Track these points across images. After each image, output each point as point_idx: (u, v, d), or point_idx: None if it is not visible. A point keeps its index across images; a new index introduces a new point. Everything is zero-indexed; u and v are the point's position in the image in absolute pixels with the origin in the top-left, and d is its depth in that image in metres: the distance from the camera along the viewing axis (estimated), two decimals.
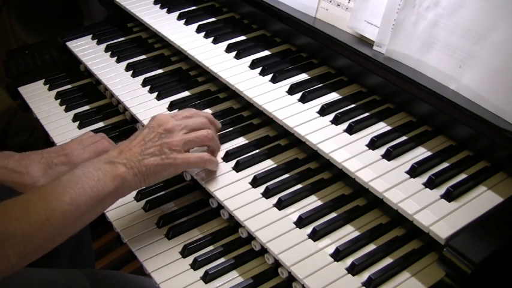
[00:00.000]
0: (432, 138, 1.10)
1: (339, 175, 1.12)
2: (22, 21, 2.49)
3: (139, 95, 1.40)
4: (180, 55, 1.53)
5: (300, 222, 1.03)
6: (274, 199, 1.08)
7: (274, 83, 1.26)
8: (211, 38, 1.43)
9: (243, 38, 1.44)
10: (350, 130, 1.11)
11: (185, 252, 1.09)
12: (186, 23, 1.51)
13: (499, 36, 1.03)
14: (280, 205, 1.07)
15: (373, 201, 1.06)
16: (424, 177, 1.00)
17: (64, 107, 1.52)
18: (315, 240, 1.01)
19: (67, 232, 0.95)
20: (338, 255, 0.97)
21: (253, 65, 1.31)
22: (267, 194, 1.09)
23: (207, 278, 1.03)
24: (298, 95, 1.21)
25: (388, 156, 1.05)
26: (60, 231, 0.93)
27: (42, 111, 1.51)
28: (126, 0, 1.65)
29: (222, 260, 1.08)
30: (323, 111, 1.16)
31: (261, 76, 1.28)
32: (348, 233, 1.03)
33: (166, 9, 1.58)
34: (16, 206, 0.91)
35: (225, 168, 1.16)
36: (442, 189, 0.98)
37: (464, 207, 0.95)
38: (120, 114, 1.48)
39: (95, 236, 2.02)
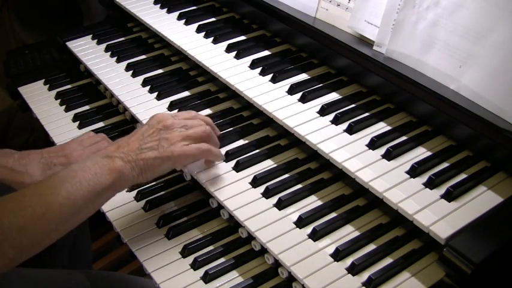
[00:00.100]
0: (432, 138, 1.10)
1: (339, 175, 1.12)
2: (22, 21, 2.49)
3: (139, 95, 1.40)
4: (180, 55, 1.53)
5: (300, 222, 1.03)
6: (274, 199, 1.08)
7: (274, 83, 1.26)
8: (211, 38, 1.43)
9: (243, 38, 1.44)
10: (350, 130, 1.11)
11: (185, 252, 1.09)
12: (186, 23, 1.51)
13: (499, 36, 1.03)
14: (280, 205, 1.07)
15: (373, 201, 1.06)
16: (424, 177, 1.00)
17: (64, 107, 1.52)
18: (315, 240, 1.01)
19: (64, 227, 0.95)
20: (338, 255, 0.97)
21: (253, 65, 1.31)
22: (267, 194, 1.09)
23: (207, 278, 1.03)
24: (298, 95, 1.21)
25: (388, 156, 1.05)
26: (57, 226, 0.93)
27: (42, 111, 1.51)
28: (126, 0, 1.65)
29: (222, 260, 1.08)
30: (323, 111, 1.16)
31: (261, 76, 1.28)
32: (348, 233, 1.03)
33: (166, 9, 1.58)
34: (12, 201, 0.91)
35: (225, 168, 1.16)
36: (442, 189, 0.98)
37: (464, 207, 0.95)
38: (120, 114, 1.48)
39: (95, 236, 2.02)
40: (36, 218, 0.89)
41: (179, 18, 1.53)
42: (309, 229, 1.02)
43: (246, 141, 1.23)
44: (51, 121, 1.47)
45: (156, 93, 1.39)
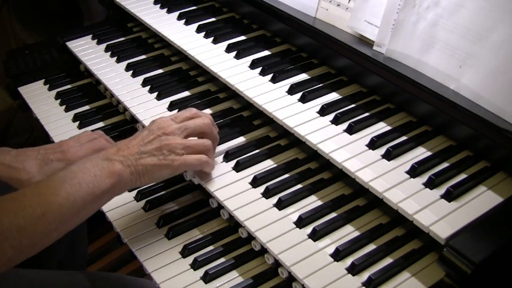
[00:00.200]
0: (432, 138, 1.10)
1: (339, 175, 1.12)
2: (22, 21, 2.49)
3: (139, 95, 1.40)
4: (180, 55, 1.53)
5: (300, 222, 1.03)
6: (274, 199, 1.08)
7: (274, 83, 1.26)
8: (211, 38, 1.43)
9: (243, 38, 1.44)
10: (350, 130, 1.11)
11: (185, 252, 1.09)
12: (186, 23, 1.51)
13: (499, 36, 1.03)
14: (280, 205, 1.07)
15: (373, 201, 1.06)
16: (424, 177, 1.00)
17: (64, 107, 1.52)
18: (315, 240, 1.01)
19: (63, 228, 0.95)
20: (338, 255, 0.97)
21: (253, 65, 1.31)
22: (267, 194, 1.09)
23: (207, 278, 1.03)
24: (298, 95, 1.21)
25: (388, 156, 1.05)
26: (56, 227, 0.93)
27: (42, 111, 1.51)
28: (126, 0, 1.65)
29: (222, 260, 1.08)
30: (323, 111, 1.16)
31: (261, 76, 1.29)
32: (348, 233, 1.03)
33: (166, 9, 1.58)
34: (12, 200, 0.91)
35: (225, 168, 1.16)
36: (442, 189, 0.98)
37: (464, 207, 0.95)
38: (120, 114, 1.48)
39: (95, 236, 2.02)
40: (36, 218, 0.89)
41: (179, 18, 1.53)
42: (309, 229, 1.02)
43: (246, 141, 1.23)
44: (51, 121, 1.47)
45: (156, 93, 1.39)
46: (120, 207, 1.19)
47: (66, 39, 1.66)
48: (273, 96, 1.22)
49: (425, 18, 1.13)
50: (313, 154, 1.14)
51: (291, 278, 0.98)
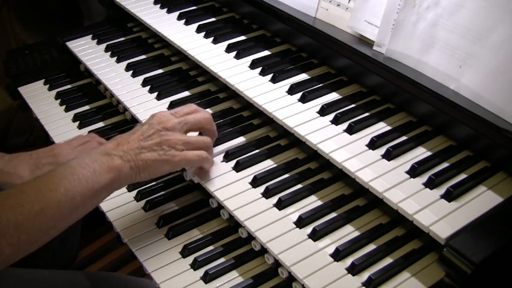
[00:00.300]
0: (432, 138, 1.10)
1: (339, 175, 1.12)
2: (22, 21, 2.49)
3: (139, 95, 1.40)
4: (180, 55, 1.53)
5: (300, 222, 1.03)
6: (274, 199, 1.08)
7: (274, 83, 1.26)
8: (211, 38, 1.43)
9: (243, 38, 1.44)
10: (350, 130, 1.11)
11: (185, 252, 1.09)
12: (186, 23, 1.51)
13: (499, 36, 1.03)
14: (280, 205, 1.07)
15: (373, 201, 1.06)
16: (424, 177, 1.00)
17: (64, 107, 1.52)
18: (315, 240, 1.01)
19: (62, 224, 0.94)
20: (338, 255, 0.97)
21: (253, 65, 1.31)
22: (267, 194, 1.09)
23: (207, 278, 1.03)
24: (298, 95, 1.21)
25: (388, 156, 1.05)
26: (55, 223, 0.92)
27: (42, 111, 1.51)
28: (126, 0, 1.65)
29: (222, 260, 1.08)
30: (323, 111, 1.16)
31: (261, 76, 1.29)
32: (348, 233, 1.03)
33: (166, 9, 1.58)
34: (9, 197, 0.90)
35: (225, 168, 1.16)
36: (442, 189, 0.98)
37: (464, 207, 0.95)
38: (120, 114, 1.48)
39: (95, 236, 2.02)
40: (34, 214, 0.88)
41: (179, 18, 1.53)
42: (309, 229, 1.02)
43: (246, 141, 1.23)
44: (51, 121, 1.47)
45: (156, 93, 1.39)
46: (120, 207, 1.19)
47: (66, 39, 1.66)
48: (273, 96, 1.22)
49: (425, 18, 1.13)
50: (313, 154, 1.14)
51: (291, 278, 0.98)
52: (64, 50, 1.67)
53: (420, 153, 1.07)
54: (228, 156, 1.18)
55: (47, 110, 1.52)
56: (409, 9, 1.15)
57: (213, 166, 1.15)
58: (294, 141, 1.20)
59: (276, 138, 1.24)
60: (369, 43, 1.24)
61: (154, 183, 1.25)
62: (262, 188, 1.10)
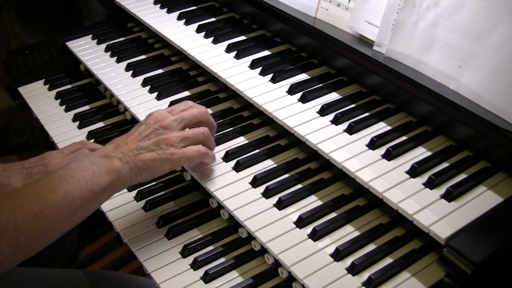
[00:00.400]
0: (432, 138, 1.10)
1: (339, 175, 1.12)
2: (22, 21, 2.49)
3: (139, 95, 1.40)
4: (180, 55, 1.53)
5: (300, 222, 1.03)
6: (274, 199, 1.08)
7: (274, 83, 1.26)
8: (211, 38, 1.43)
9: (243, 38, 1.44)
10: (350, 130, 1.11)
11: (185, 252, 1.09)
12: (186, 23, 1.51)
13: (499, 36, 1.03)
14: (280, 205, 1.07)
15: (373, 201, 1.06)
16: (424, 177, 1.00)
17: (64, 107, 1.52)
18: (315, 240, 1.01)
19: (62, 226, 0.94)
20: (338, 255, 0.97)
21: (253, 65, 1.31)
22: (267, 194, 1.09)
23: (207, 278, 1.03)
24: (298, 95, 1.21)
25: (388, 156, 1.05)
26: (54, 225, 0.92)
27: (42, 111, 1.51)
28: (126, 0, 1.65)
29: (222, 260, 1.08)
30: (323, 111, 1.16)
31: (261, 76, 1.29)
32: (348, 233, 1.03)
33: (166, 9, 1.58)
34: (9, 198, 0.90)
35: (225, 168, 1.16)
36: (442, 189, 0.98)
37: (464, 207, 0.95)
38: (120, 114, 1.48)
39: (95, 236, 2.02)
40: (33, 215, 0.88)
41: (179, 18, 1.53)
42: (309, 229, 1.02)
43: (246, 141, 1.23)
44: (51, 121, 1.47)
45: (156, 93, 1.39)
46: (120, 207, 1.19)
47: (66, 39, 1.66)
48: (273, 96, 1.22)
49: (425, 18, 1.13)
50: (313, 154, 1.14)
51: (291, 278, 0.98)
52: (64, 50, 1.67)
53: (420, 153, 1.07)
54: (228, 156, 1.18)
55: (47, 110, 1.52)
56: (409, 9, 1.15)
57: (214, 162, 1.14)
58: (294, 141, 1.20)
59: (276, 138, 1.24)
60: (369, 43, 1.24)
61: (154, 183, 1.25)
62: (262, 188, 1.10)
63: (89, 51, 1.60)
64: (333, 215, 1.06)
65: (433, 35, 1.12)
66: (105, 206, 1.18)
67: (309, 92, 1.21)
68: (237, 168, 1.15)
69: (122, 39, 1.67)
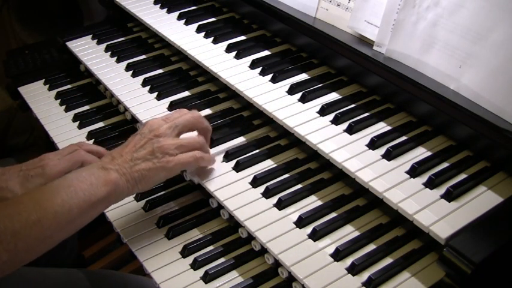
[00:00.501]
0: (432, 138, 1.10)
1: (339, 175, 1.12)
2: (22, 21, 2.49)
3: (139, 95, 1.40)
4: (180, 55, 1.53)
5: (300, 222, 1.03)
6: (274, 199, 1.08)
7: (274, 83, 1.26)
8: (211, 38, 1.43)
9: (243, 38, 1.44)
10: (350, 130, 1.11)
11: (185, 252, 1.09)
12: (186, 23, 1.51)
13: (499, 36, 1.03)
14: (280, 205, 1.07)
15: (373, 201, 1.06)
16: (424, 177, 1.00)
17: (64, 107, 1.52)
18: (315, 240, 1.01)
19: (59, 235, 0.95)
20: (338, 255, 0.97)
21: (253, 65, 1.31)
22: (267, 194, 1.09)
23: (207, 278, 1.03)
24: (298, 95, 1.21)
25: (388, 156, 1.05)
26: (51, 233, 0.93)
27: (42, 111, 1.51)
28: (126, 0, 1.65)
29: (222, 260, 1.08)
30: (323, 111, 1.16)
31: (261, 76, 1.29)
32: (348, 233, 1.03)
33: (166, 9, 1.58)
34: (7, 206, 0.92)
35: (225, 168, 1.16)
36: (442, 189, 0.98)
37: (464, 207, 0.95)
38: (120, 114, 1.48)
39: (95, 236, 2.02)
40: (31, 223, 0.90)
41: (179, 18, 1.53)
42: (309, 229, 1.02)
43: (246, 141, 1.23)
44: (51, 121, 1.47)
45: (156, 93, 1.39)
46: (120, 207, 1.19)
47: (66, 39, 1.66)
48: (273, 96, 1.22)
49: (425, 18, 1.13)
50: (313, 154, 1.14)
51: (291, 278, 0.98)
52: (64, 50, 1.67)
53: (420, 153, 1.07)
54: (228, 156, 1.18)
55: (47, 110, 1.52)
56: (409, 9, 1.15)
57: (212, 164, 1.15)
58: (294, 141, 1.20)
59: (276, 138, 1.24)
60: (369, 43, 1.24)
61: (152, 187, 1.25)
62: (262, 188, 1.10)
63: (89, 51, 1.60)
64: (333, 215, 1.06)
65: (433, 35, 1.12)
66: None
67: (309, 92, 1.21)
68: (237, 168, 1.15)
69: (122, 39, 1.67)
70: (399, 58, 1.18)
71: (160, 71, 1.50)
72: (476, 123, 1.01)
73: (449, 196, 0.96)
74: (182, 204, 1.21)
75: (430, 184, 0.99)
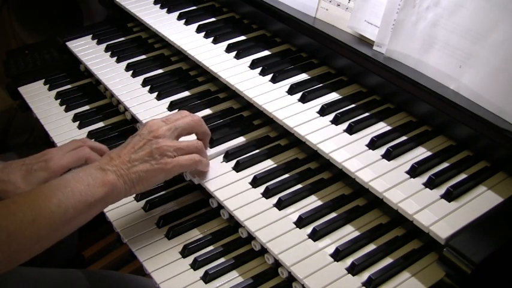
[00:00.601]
0: (432, 138, 1.10)
1: (339, 175, 1.12)
2: (22, 21, 2.49)
3: (139, 95, 1.40)
4: (180, 55, 1.53)
5: (300, 222, 1.03)
6: (274, 199, 1.08)
7: (274, 83, 1.26)
8: (211, 38, 1.43)
9: (243, 38, 1.44)
10: (350, 130, 1.11)
11: (185, 252, 1.09)
12: (186, 23, 1.51)
13: (499, 36, 1.03)
14: (280, 205, 1.07)
15: (373, 201, 1.06)
16: (424, 177, 1.00)
17: (64, 107, 1.52)
18: (315, 240, 1.01)
19: (54, 235, 0.95)
20: (338, 255, 0.97)
21: (253, 65, 1.31)
22: (267, 194, 1.09)
23: (207, 278, 1.03)
24: (298, 95, 1.21)
25: (388, 156, 1.05)
26: (47, 234, 0.93)
27: (42, 111, 1.51)
28: (126, 0, 1.65)
29: (222, 260, 1.08)
30: (323, 111, 1.16)
31: (261, 76, 1.29)
32: (348, 233, 1.03)
33: (166, 9, 1.58)
34: (2, 205, 0.91)
35: (225, 168, 1.16)
36: (442, 189, 0.98)
37: (464, 207, 0.95)
38: (120, 114, 1.48)
39: (95, 236, 2.02)
40: (26, 223, 0.89)
41: (179, 18, 1.53)
42: (309, 229, 1.02)
43: (246, 141, 1.23)
44: (51, 121, 1.47)
45: (156, 93, 1.39)
46: (120, 207, 1.19)
47: (66, 39, 1.66)
48: (273, 96, 1.22)
49: (425, 18, 1.13)
50: (313, 154, 1.14)
51: (291, 278, 0.98)
52: (64, 50, 1.67)
53: (420, 153, 1.07)
54: (228, 156, 1.18)
55: (47, 110, 1.52)
56: (409, 9, 1.15)
57: (209, 168, 1.15)
58: (294, 141, 1.20)
59: (276, 138, 1.24)
60: (369, 43, 1.24)
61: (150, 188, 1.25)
62: (262, 188, 1.10)
63: (89, 51, 1.60)
64: (333, 215, 1.06)
65: (433, 35, 1.12)
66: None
67: (309, 92, 1.21)
68: (237, 168, 1.15)
69: (122, 39, 1.67)
70: (399, 58, 1.18)
71: (160, 71, 1.50)
72: (476, 123, 1.01)
73: (449, 196, 0.96)
74: (182, 204, 1.21)
75: (430, 184, 0.99)
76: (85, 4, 2.41)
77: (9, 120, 2.48)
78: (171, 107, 1.34)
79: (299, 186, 1.12)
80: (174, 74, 1.49)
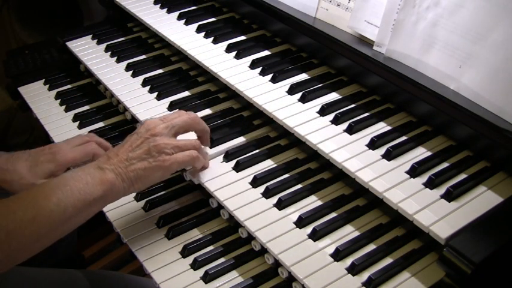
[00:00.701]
0: (432, 138, 1.10)
1: (339, 175, 1.12)
2: (22, 21, 2.50)
3: (139, 95, 1.40)
4: (180, 55, 1.53)
5: (300, 222, 1.03)
6: (274, 199, 1.08)
7: (274, 83, 1.26)
8: (211, 38, 1.43)
9: (243, 38, 1.44)
10: (350, 130, 1.11)
11: (185, 252, 1.09)
12: (186, 23, 1.51)
13: (499, 36, 1.03)
14: (280, 205, 1.07)
15: (373, 201, 1.06)
16: (424, 177, 1.00)
17: (64, 107, 1.52)
18: (315, 240, 1.01)
19: (54, 234, 0.95)
20: (338, 255, 0.97)
21: (253, 65, 1.31)
22: (267, 194, 1.09)
23: (207, 278, 1.03)
24: (298, 95, 1.21)
25: (388, 156, 1.05)
26: (46, 232, 0.93)
27: (42, 111, 1.51)
28: (126, 0, 1.65)
29: (222, 260, 1.08)
30: (323, 111, 1.16)
31: (261, 76, 1.29)
32: (348, 233, 1.03)
33: (166, 9, 1.58)
34: (2, 205, 0.91)
35: (225, 168, 1.16)
36: (442, 189, 0.98)
37: (464, 207, 0.95)
38: (120, 114, 1.48)
39: (95, 236, 2.02)
40: (25, 222, 0.90)
41: (179, 18, 1.53)
42: (309, 229, 1.02)
43: (246, 141, 1.23)
44: (51, 121, 1.47)
45: (156, 93, 1.39)
46: (120, 207, 1.19)
47: (66, 39, 1.66)
48: (273, 96, 1.22)
49: (425, 18, 1.13)
50: (313, 154, 1.14)
51: (291, 278, 0.98)
52: (64, 50, 1.67)
53: (420, 153, 1.07)
54: (228, 156, 1.18)
55: (47, 110, 1.52)
56: (409, 9, 1.15)
57: (208, 165, 1.15)
58: (294, 141, 1.20)
59: (276, 138, 1.24)
60: (369, 43, 1.24)
61: (150, 186, 1.25)
62: (262, 188, 1.10)
63: (89, 51, 1.60)
64: (333, 215, 1.06)
65: (433, 35, 1.12)
66: (105, 206, 1.18)
67: (309, 92, 1.21)
68: (237, 168, 1.15)
69: (122, 39, 1.67)
70: (399, 58, 1.18)
71: (160, 71, 1.50)
72: (476, 123, 1.01)
73: (449, 196, 0.96)
74: (182, 204, 1.21)
75: (430, 184, 0.99)
76: (85, 4, 2.41)
77: (9, 120, 2.48)
78: (171, 107, 1.34)
79: (299, 186, 1.12)
80: (174, 74, 1.49)
